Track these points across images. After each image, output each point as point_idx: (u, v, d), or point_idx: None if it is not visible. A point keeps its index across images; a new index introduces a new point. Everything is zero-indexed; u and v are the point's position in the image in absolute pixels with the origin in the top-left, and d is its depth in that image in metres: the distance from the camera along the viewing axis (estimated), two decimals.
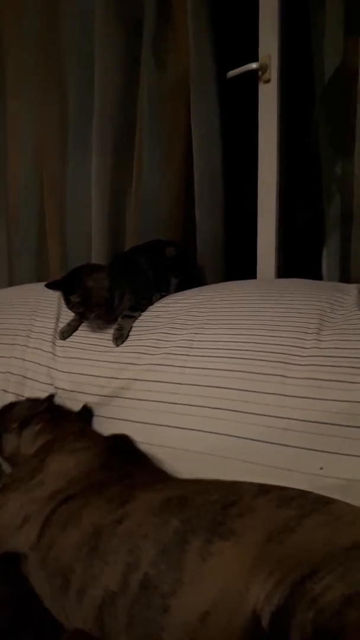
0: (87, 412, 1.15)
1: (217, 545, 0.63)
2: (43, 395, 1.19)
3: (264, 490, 0.72)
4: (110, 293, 1.21)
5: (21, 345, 1.35)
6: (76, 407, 1.16)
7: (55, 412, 1.11)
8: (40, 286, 1.36)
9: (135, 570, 0.64)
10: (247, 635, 0.56)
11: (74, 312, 1.25)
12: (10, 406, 1.15)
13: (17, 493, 0.87)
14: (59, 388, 1.21)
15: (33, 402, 1.15)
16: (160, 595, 0.61)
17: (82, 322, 1.29)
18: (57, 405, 1.15)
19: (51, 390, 1.23)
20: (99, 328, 1.25)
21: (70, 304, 1.22)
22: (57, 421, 1.06)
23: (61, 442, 0.97)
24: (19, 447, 1.05)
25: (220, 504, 0.69)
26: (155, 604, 0.61)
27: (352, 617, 0.50)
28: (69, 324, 1.31)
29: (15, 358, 1.33)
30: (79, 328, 1.30)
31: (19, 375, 1.30)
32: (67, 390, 1.20)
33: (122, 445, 0.99)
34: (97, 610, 0.65)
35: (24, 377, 1.29)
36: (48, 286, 1.27)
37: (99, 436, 1.03)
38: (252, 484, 0.76)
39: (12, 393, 1.28)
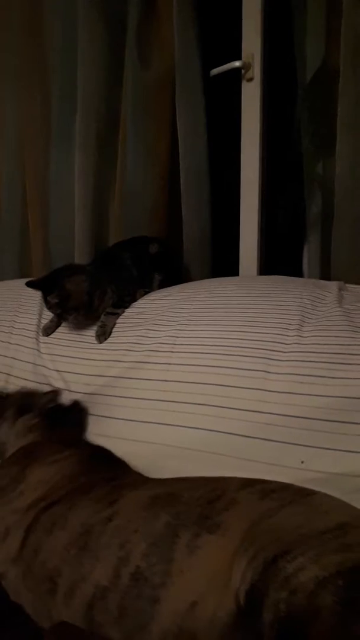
0: (78, 409, 1.13)
1: (204, 538, 0.65)
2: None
3: (246, 484, 0.74)
4: (89, 296, 1.20)
5: (3, 342, 1.34)
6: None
7: (53, 410, 1.09)
8: (22, 282, 1.35)
9: (126, 563, 0.66)
10: (232, 620, 0.58)
11: (52, 312, 1.25)
12: (7, 394, 1.13)
13: (0, 504, 0.86)
14: (50, 385, 1.21)
15: (29, 393, 1.13)
16: (151, 586, 0.63)
17: None
18: (58, 403, 1.13)
19: (34, 387, 1.22)
20: (79, 326, 1.25)
21: (48, 305, 1.22)
22: (51, 420, 1.05)
23: (44, 451, 0.95)
24: (9, 435, 1.03)
25: (206, 498, 0.71)
26: (145, 594, 0.62)
27: (327, 600, 0.51)
28: (51, 320, 1.31)
29: None
30: (62, 324, 1.30)
31: (2, 373, 1.29)
32: (59, 388, 1.19)
33: (103, 453, 0.99)
34: (87, 607, 0.66)
35: (9, 374, 1.29)
36: (28, 285, 1.27)
37: (82, 444, 1.02)
38: (235, 478, 0.78)
39: None
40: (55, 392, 1.13)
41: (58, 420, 1.07)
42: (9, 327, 1.36)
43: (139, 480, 0.86)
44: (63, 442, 1.00)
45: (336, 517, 0.65)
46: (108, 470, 0.89)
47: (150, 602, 0.62)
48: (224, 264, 1.50)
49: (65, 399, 1.15)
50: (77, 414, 1.13)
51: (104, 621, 0.64)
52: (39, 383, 1.23)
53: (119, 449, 1.02)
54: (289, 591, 0.53)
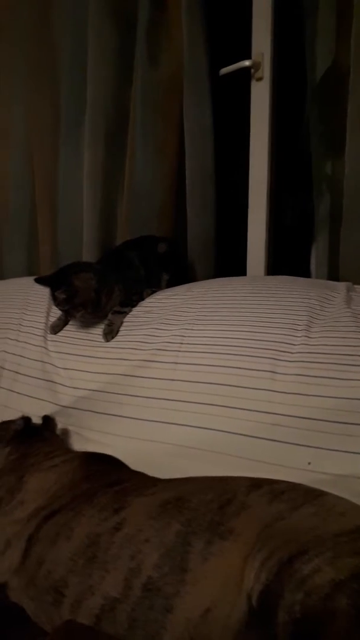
0: (50, 423, 1.13)
1: (217, 546, 0.64)
2: (36, 390, 1.19)
3: (255, 485, 0.73)
4: (96, 293, 1.21)
5: (12, 340, 1.35)
6: (77, 404, 1.16)
7: (24, 433, 1.05)
8: (30, 280, 1.36)
9: (137, 574, 0.65)
10: (245, 621, 0.57)
11: (59, 309, 1.25)
12: None
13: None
14: (57, 383, 1.21)
15: (1, 425, 1.09)
16: (164, 596, 0.62)
17: None
18: (29, 428, 1.08)
19: (42, 385, 1.23)
20: (86, 324, 1.25)
21: (56, 301, 1.23)
22: (26, 441, 1.01)
23: (37, 459, 0.94)
24: None
25: (217, 503, 0.70)
26: (158, 605, 0.61)
27: (342, 603, 0.51)
28: (59, 318, 1.31)
29: (7, 352, 1.33)
30: (70, 322, 1.30)
31: (10, 370, 1.30)
32: (66, 386, 1.20)
33: (100, 456, 0.97)
34: (95, 619, 0.64)
35: (17, 372, 1.29)
36: (37, 281, 1.27)
37: (75, 451, 1.01)
38: (243, 478, 0.77)
39: (5, 388, 1.29)
40: (24, 418, 1.09)
41: (33, 436, 1.04)
42: (17, 324, 1.37)
43: (142, 484, 0.83)
44: (51, 451, 0.97)
45: (352, 520, 0.64)
46: (108, 474, 0.88)
47: (162, 612, 0.61)
48: (229, 263, 1.50)
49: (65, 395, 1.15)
50: (51, 426, 1.12)
51: (113, 632, 0.63)
52: (47, 380, 1.24)
53: (125, 447, 1.02)
54: (305, 593, 0.53)
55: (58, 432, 1.14)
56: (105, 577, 0.66)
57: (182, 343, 1.09)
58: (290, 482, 0.75)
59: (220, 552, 0.63)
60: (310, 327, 0.99)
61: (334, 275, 1.32)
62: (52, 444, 1.03)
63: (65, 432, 1.14)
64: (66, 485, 0.84)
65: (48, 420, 1.13)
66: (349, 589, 0.52)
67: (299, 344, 0.97)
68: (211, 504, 0.70)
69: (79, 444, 1.10)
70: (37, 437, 1.05)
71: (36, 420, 1.14)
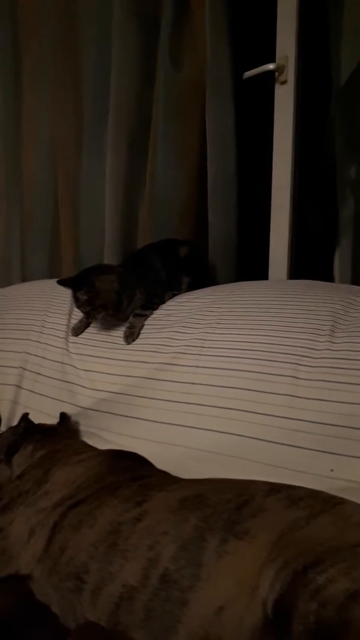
0: (66, 420, 1.16)
1: (232, 544, 0.65)
2: (57, 391, 1.19)
3: (274, 489, 0.73)
4: (118, 296, 1.21)
5: (34, 341, 1.36)
6: (96, 405, 1.17)
7: (41, 430, 1.07)
8: (53, 283, 1.37)
9: (155, 565, 0.66)
10: (259, 628, 0.57)
11: (81, 310, 1.26)
12: None
13: (24, 507, 0.86)
14: (77, 385, 1.22)
15: (10, 430, 1.11)
16: (180, 589, 0.63)
17: None
18: (36, 425, 1.09)
19: (63, 386, 1.24)
20: (107, 326, 1.26)
21: (77, 302, 1.24)
22: (48, 438, 1.04)
23: (65, 454, 0.96)
24: (12, 475, 1.00)
25: (234, 503, 0.70)
26: (174, 597, 0.63)
27: (357, 614, 0.50)
28: (80, 321, 1.32)
29: (29, 354, 1.35)
30: (91, 325, 1.31)
31: (32, 372, 1.31)
32: (86, 387, 1.21)
33: (127, 453, 0.99)
34: (114, 607, 0.66)
35: (38, 374, 1.30)
36: (60, 282, 1.29)
37: (101, 449, 1.02)
38: (262, 482, 0.77)
39: (26, 389, 1.30)
40: (25, 415, 1.09)
41: (59, 434, 1.07)
42: (39, 326, 1.38)
43: (165, 480, 0.85)
44: (77, 447, 1.00)
45: None
46: (133, 470, 0.90)
47: (178, 604, 0.62)
48: (251, 267, 1.49)
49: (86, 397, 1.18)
50: (67, 423, 1.15)
51: (130, 623, 0.64)
52: (67, 382, 1.25)
53: (144, 450, 1.02)
54: (319, 603, 0.52)
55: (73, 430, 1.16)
56: (124, 565, 0.68)
57: (203, 347, 1.08)
58: (310, 489, 0.74)
59: (235, 551, 0.64)
60: (334, 332, 0.97)
61: (357, 279, 1.30)
62: (79, 441, 1.05)
63: (84, 433, 1.15)
64: (92, 477, 0.86)
65: (64, 417, 1.16)
66: None
67: (322, 349, 0.95)
68: (229, 503, 0.70)
69: (97, 446, 1.10)
70: (64, 434, 1.08)
71: (53, 421, 1.16)
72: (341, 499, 0.71)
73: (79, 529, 0.75)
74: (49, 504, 0.83)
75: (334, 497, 0.72)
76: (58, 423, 1.15)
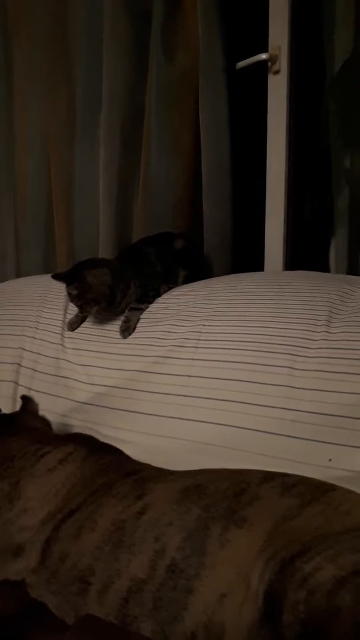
0: (30, 404, 1.07)
1: (233, 532, 0.66)
2: (53, 387, 1.19)
3: (268, 477, 0.74)
4: (110, 289, 1.21)
5: (29, 337, 1.35)
6: (93, 400, 1.16)
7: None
8: (47, 278, 1.36)
9: (162, 556, 0.67)
10: (257, 617, 0.57)
11: (73, 304, 1.26)
12: None
13: None
14: (73, 379, 1.21)
15: None
16: (186, 578, 0.64)
17: None
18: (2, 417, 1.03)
19: (59, 381, 1.23)
20: (103, 321, 1.25)
21: (70, 296, 1.23)
22: (3, 440, 0.95)
23: (27, 462, 0.88)
24: None
25: (232, 491, 0.71)
26: (180, 586, 0.64)
27: (345, 599, 0.51)
28: (76, 315, 1.32)
29: (24, 350, 1.34)
30: (87, 319, 1.30)
31: (28, 368, 1.31)
32: (83, 382, 1.20)
33: (94, 446, 0.93)
34: (122, 602, 0.66)
35: (34, 370, 1.30)
36: (54, 277, 1.28)
37: (65, 442, 0.93)
38: (257, 471, 0.77)
39: (22, 386, 1.29)
40: None
41: (7, 431, 0.97)
42: (34, 322, 1.37)
43: (159, 472, 0.85)
44: (32, 438, 0.93)
45: (356, 518, 0.64)
46: (119, 466, 0.88)
47: (184, 592, 0.63)
48: (246, 259, 1.49)
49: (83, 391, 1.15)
50: (30, 408, 1.07)
51: (138, 614, 0.65)
52: (63, 377, 1.24)
53: (141, 443, 1.02)
54: (307, 591, 0.53)
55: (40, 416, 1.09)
56: (132, 559, 0.68)
57: (199, 339, 1.08)
58: (302, 476, 0.75)
59: (235, 539, 0.65)
60: (330, 322, 0.97)
61: (353, 269, 1.30)
62: (32, 439, 0.95)
63: (80, 428, 1.14)
64: (78, 485, 0.83)
65: (27, 401, 1.09)
66: (352, 584, 0.52)
67: (319, 340, 0.95)
68: (227, 491, 0.72)
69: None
70: (12, 431, 0.98)
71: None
72: (332, 485, 0.72)
73: (79, 535, 0.74)
74: (35, 522, 0.80)
75: (325, 483, 0.73)
76: (20, 409, 1.07)
